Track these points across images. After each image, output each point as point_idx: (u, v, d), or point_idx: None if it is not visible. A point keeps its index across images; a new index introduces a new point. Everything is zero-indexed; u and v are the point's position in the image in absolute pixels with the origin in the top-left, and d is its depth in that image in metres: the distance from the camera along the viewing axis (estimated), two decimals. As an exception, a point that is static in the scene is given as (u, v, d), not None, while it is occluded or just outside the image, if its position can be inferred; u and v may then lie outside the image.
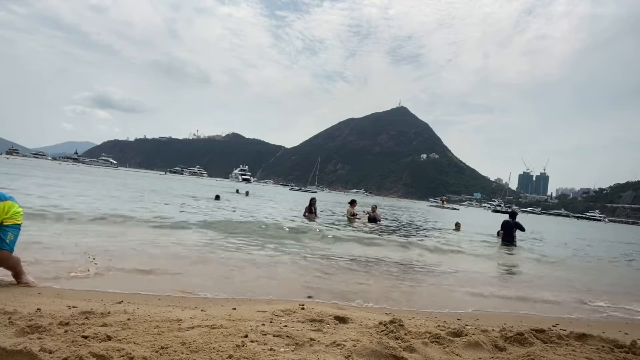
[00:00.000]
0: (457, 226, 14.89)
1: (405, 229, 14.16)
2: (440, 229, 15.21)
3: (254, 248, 6.31)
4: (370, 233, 10.04)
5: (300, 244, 7.19)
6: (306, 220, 11.77)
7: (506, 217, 11.41)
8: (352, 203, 14.04)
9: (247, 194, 23.38)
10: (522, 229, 10.52)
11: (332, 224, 11.49)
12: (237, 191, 30.47)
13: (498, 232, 11.61)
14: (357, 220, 13.20)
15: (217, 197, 18.83)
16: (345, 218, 13.87)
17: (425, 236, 11.83)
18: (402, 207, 46.48)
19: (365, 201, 46.92)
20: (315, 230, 9.32)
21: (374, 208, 14.12)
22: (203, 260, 5.10)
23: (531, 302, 4.63)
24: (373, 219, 13.37)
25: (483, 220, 30.09)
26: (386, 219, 17.01)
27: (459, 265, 6.73)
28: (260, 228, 8.84)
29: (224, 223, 9.13)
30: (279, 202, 23.41)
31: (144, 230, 7.02)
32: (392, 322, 2.43)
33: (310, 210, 12.99)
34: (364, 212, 14.33)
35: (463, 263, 7.14)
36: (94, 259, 4.30)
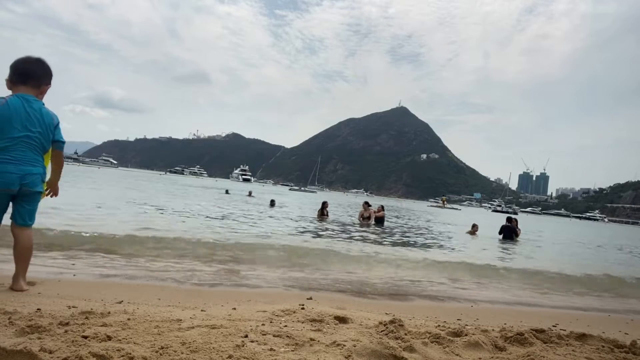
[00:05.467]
0: (474, 228, 14.09)
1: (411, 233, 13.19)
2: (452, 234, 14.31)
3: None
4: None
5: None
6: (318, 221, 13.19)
7: (504, 219, 13.38)
8: (365, 205, 14.09)
9: (272, 203, 18.29)
10: (517, 235, 12.67)
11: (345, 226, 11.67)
12: (227, 192, 29.61)
13: (500, 232, 12.78)
14: (367, 223, 13.17)
15: (227, 192, 18.89)
16: (357, 220, 14.02)
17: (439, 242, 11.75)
18: (403, 208, 46.43)
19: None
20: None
21: (380, 208, 13.78)
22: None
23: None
24: (379, 219, 13.36)
25: (484, 221, 30.06)
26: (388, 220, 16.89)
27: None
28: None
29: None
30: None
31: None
32: (392, 322, 2.42)
33: (323, 213, 14.14)
34: (373, 211, 14.03)
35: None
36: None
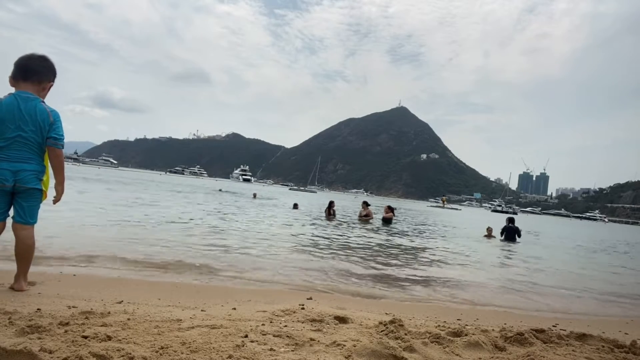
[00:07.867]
0: (489, 230, 14.02)
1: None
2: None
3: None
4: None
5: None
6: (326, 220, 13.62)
7: (505, 219, 13.19)
8: (364, 204, 15.09)
9: (295, 206, 19.78)
10: (519, 235, 12.51)
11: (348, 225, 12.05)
12: (220, 190, 33.25)
13: (501, 234, 12.80)
14: (366, 220, 14.02)
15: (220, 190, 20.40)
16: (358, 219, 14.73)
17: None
18: (404, 208, 46.41)
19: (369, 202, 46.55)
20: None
21: (388, 209, 14.51)
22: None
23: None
24: (387, 219, 14.11)
25: (486, 221, 30.05)
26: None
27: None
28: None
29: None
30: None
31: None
32: (392, 322, 2.42)
33: (329, 212, 14.66)
34: (370, 210, 14.94)
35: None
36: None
